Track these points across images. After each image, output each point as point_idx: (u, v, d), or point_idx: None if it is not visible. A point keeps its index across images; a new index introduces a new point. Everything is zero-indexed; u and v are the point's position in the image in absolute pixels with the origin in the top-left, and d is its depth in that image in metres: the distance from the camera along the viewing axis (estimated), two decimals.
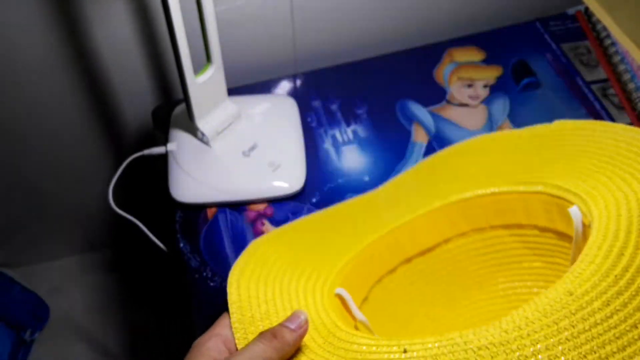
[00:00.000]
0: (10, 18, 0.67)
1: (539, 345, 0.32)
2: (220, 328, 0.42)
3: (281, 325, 0.39)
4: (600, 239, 0.38)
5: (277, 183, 0.63)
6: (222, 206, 0.62)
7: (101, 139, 0.86)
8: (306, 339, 0.40)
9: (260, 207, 0.63)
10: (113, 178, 0.65)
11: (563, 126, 0.55)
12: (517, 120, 0.69)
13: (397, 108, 0.71)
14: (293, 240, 0.56)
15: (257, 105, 0.69)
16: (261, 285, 0.47)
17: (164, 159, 0.66)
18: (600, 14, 0.72)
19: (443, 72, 0.74)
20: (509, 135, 0.60)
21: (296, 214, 0.62)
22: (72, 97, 0.78)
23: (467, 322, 0.53)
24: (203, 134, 0.64)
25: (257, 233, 0.61)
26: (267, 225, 0.61)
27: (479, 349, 0.33)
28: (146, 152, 0.66)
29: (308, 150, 0.67)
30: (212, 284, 0.57)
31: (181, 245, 0.60)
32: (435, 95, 0.72)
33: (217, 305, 0.56)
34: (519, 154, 0.56)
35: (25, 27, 0.68)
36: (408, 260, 0.54)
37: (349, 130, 0.69)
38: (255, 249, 0.54)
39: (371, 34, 0.82)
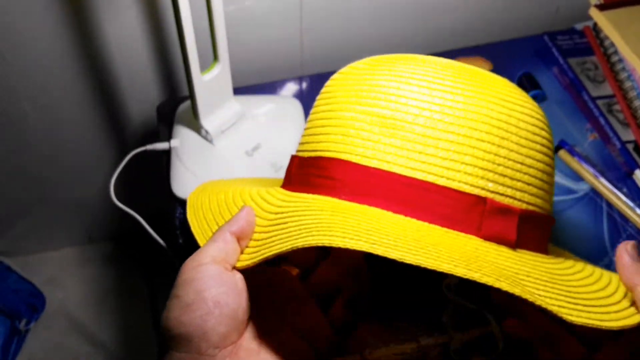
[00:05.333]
0: (20, 10, 0.67)
1: None
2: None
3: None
4: None
5: None
6: None
7: (105, 132, 0.87)
8: None
9: None
10: (115, 171, 0.65)
11: None
12: None
13: None
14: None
15: (262, 106, 0.69)
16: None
17: (167, 154, 0.66)
18: (609, 30, 0.72)
19: None
20: None
21: None
22: (77, 89, 0.79)
23: None
24: (207, 132, 0.64)
25: None
26: None
27: None
28: (149, 147, 0.66)
29: None
30: None
31: (180, 241, 0.60)
32: None
33: None
34: None
35: (34, 19, 0.68)
36: None
37: None
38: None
39: (378, 40, 0.82)
